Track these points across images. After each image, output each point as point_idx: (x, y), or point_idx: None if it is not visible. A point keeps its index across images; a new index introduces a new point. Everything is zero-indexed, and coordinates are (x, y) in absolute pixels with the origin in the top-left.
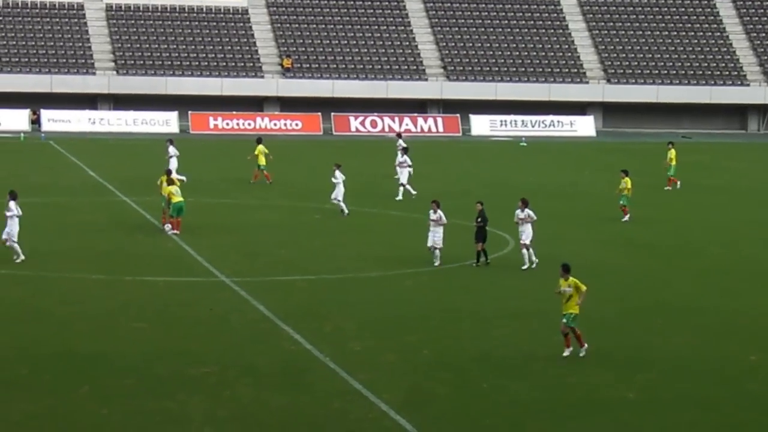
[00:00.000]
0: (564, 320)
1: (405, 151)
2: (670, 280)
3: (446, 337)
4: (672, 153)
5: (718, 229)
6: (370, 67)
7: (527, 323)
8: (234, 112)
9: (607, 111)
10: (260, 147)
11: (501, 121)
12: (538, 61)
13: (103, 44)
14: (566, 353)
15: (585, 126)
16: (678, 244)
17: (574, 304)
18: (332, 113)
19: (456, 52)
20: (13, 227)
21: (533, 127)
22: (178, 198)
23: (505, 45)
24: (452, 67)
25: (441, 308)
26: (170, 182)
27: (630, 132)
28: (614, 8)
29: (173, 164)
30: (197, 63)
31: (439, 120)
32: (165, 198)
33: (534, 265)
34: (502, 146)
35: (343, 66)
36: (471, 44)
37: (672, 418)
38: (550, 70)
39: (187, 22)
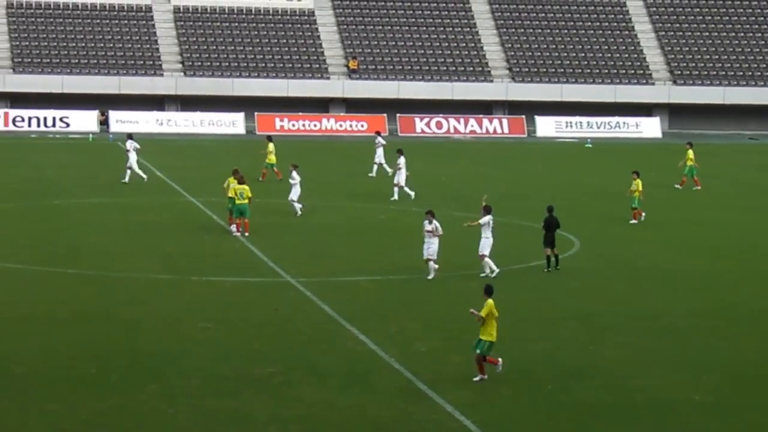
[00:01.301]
0: (477, 349)
1: (400, 152)
2: (736, 283)
3: (511, 338)
4: (690, 153)
5: None
6: (436, 68)
7: (592, 324)
8: (300, 114)
9: (674, 112)
10: (271, 145)
11: (566, 122)
12: (603, 63)
13: (171, 46)
14: (478, 378)
15: (651, 127)
16: (743, 246)
17: (491, 330)
18: (398, 114)
19: (521, 53)
20: None
21: (599, 128)
22: (240, 200)
23: (571, 46)
24: (518, 69)
25: (506, 309)
26: (241, 181)
27: (696, 134)
28: (681, 9)
29: (132, 158)
30: (263, 64)
31: (505, 121)
32: (231, 199)
33: (494, 275)
34: (568, 148)
35: (409, 67)
36: (536, 45)
37: (738, 421)
38: (616, 71)
39: (254, 24)
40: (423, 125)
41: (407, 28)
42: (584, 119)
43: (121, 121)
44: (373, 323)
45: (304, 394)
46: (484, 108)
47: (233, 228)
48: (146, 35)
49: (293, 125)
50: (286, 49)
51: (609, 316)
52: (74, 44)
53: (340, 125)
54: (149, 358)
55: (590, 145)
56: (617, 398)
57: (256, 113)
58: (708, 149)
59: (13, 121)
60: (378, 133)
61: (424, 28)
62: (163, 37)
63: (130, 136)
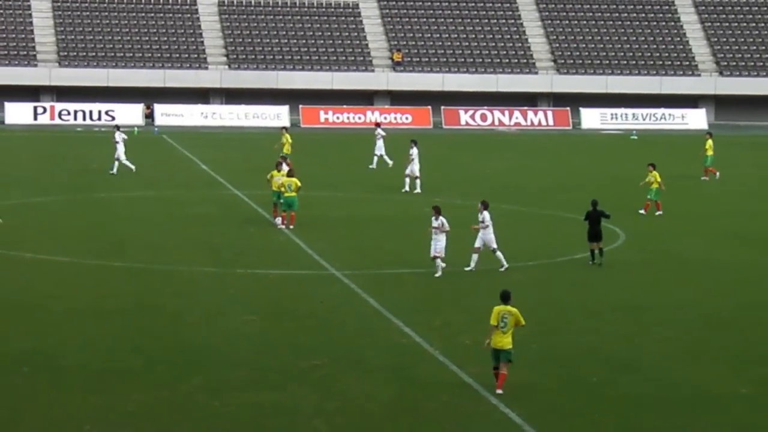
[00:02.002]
0: (501, 358)
1: (414, 143)
2: None
3: (555, 331)
4: (709, 143)
5: None
6: (480, 60)
7: (637, 317)
8: (344, 106)
9: (720, 104)
10: (287, 136)
11: (611, 114)
12: (649, 54)
13: (216, 39)
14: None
15: (697, 119)
16: None
17: (510, 339)
18: (442, 107)
19: (566, 45)
20: None
21: (644, 120)
22: (289, 193)
23: (616, 38)
24: (562, 61)
25: (550, 302)
26: (290, 173)
27: (743, 125)
28: (727, 0)
29: (120, 149)
30: (308, 57)
31: (549, 113)
32: (276, 192)
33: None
34: (613, 140)
35: (453, 60)
36: (581, 37)
37: None
38: (661, 62)
39: (298, 17)
40: (467, 117)
41: (452, 20)
42: (629, 111)
43: (166, 114)
44: (418, 316)
45: (349, 387)
46: (529, 100)
47: (278, 220)
48: (191, 28)
49: (337, 118)
50: (331, 41)
51: (655, 309)
52: (120, 38)
53: (385, 118)
54: (194, 351)
55: (636, 137)
56: (663, 391)
57: (300, 106)
58: (754, 140)
59: (59, 114)
60: (378, 125)
61: (469, 20)
62: (208, 30)
63: (117, 127)
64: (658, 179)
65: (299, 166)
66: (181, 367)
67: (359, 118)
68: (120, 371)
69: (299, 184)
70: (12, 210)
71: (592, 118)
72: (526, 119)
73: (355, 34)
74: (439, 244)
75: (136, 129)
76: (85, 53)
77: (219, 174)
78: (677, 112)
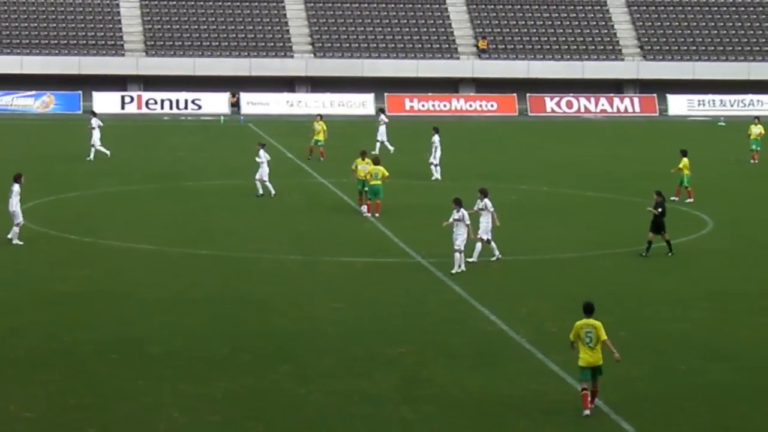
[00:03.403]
0: (595, 375)
1: (436, 130)
2: None
3: (643, 319)
4: (754, 129)
5: None
6: (566, 47)
7: (726, 305)
8: (429, 94)
9: None
10: (322, 123)
11: (699, 100)
12: (737, 40)
13: (301, 28)
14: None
15: None
16: None
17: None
18: (528, 94)
19: (653, 31)
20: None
21: (732, 106)
22: (375, 181)
23: (704, 23)
24: (649, 47)
25: (638, 289)
26: (375, 162)
27: None
28: None
29: (96, 136)
30: (393, 45)
31: (636, 100)
32: (361, 180)
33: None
34: (700, 126)
35: (539, 46)
36: (668, 23)
37: None
38: (749, 48)
39: (383, 5)
40: (553, 105)
41: (537, 6)
42: (717, 97)
43: (252, 102)
44: (504, 304)
45: (436, 375)
46: (615, 87)
47: (363, 208)
48: (277, 17)
49: (423, 105)
50: (416, 29)
51: (744, 297)
52: (206, 27)
53: (470, 105)
54: (281, 339)
55: (723, 124)
56: (752, 379)
57: (385, 94)
58: None
59: (146, 103)
60: (381, 111)
61: (554, 7)
62: (293, 18)
63: (93, 113)
64: (687, 166)
65: (384, 155)
66: (268, 354)
67: (444, 105)
68: (207, 359)
69: (386, 173)
70: (100, 198)
71: (679, 105)
72: (612, 106)
73: (441, 21)
74: (460, 237)
75: (222, 118)
76: (171, 42)
77: (305, 162)
78: (765, 98)
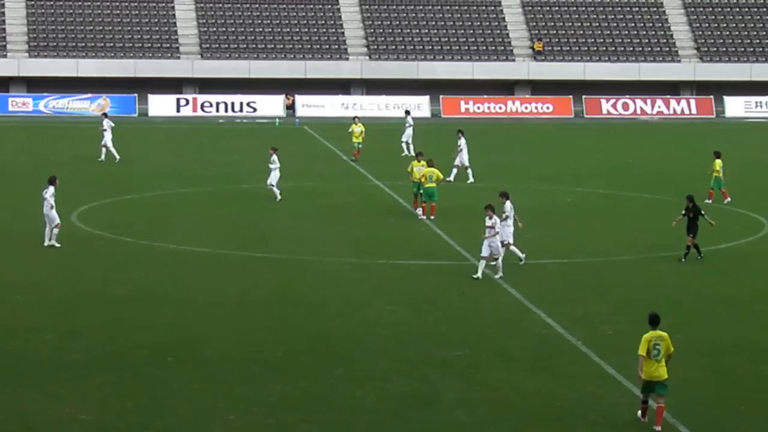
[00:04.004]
0: (657, 390)
1: (461, 133)
2: None
3: (700, 322)
4: None
5: None
6: (622, 49)
7: None
8: (485, 96)
9: None
10: (361, 126)
11: (756, 102)
12: None
13: (356, 30)
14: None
15: None
16: None
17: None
18: (583, 96)
19: (710, 32)
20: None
21: None
22: (429, 183)
23: (761, 24)
24: (706, 48)
25: (695, 292)
26: (429, 164)
27: None
28: None
29: (107, 137)
30: (448, 47)
31: (692, 102)
32: (416, 183)
33: (522, 262)
34: (757, 128)
35: (595, 48)
36: (725, 24)
37: None
38: None
39: (438, 7)
40: (609, 107)
41: (593, 8)
42: None
43: (308, 105)
44: (560, 306)
45: (491, 378)
46: (672, 88)
47: (419, 211)
48: (332, 19)
49: (478, 108)
50: (471, 31)
51: None
52: (261, 29)
53: (526, 107)
54: (336, 342)
55: None
56: None
57: (441, 96)
58: None
59: (202, 106)
60: (407, 113)
61: (610, 8)
62: (348, 21)
63: (105, 114)
64: (717, 168)
65: (439, 157)
66: (323, 357)
67: (500, 108)
68: (263, 362)
69: (441, 175)
70: (155, 201)
71: (736, 107)
72: (668, 108)
73: (496, 23)
74: (493, 244)
75: (277, 120)
76: (227, 45)
77: (360, 164)
78: None
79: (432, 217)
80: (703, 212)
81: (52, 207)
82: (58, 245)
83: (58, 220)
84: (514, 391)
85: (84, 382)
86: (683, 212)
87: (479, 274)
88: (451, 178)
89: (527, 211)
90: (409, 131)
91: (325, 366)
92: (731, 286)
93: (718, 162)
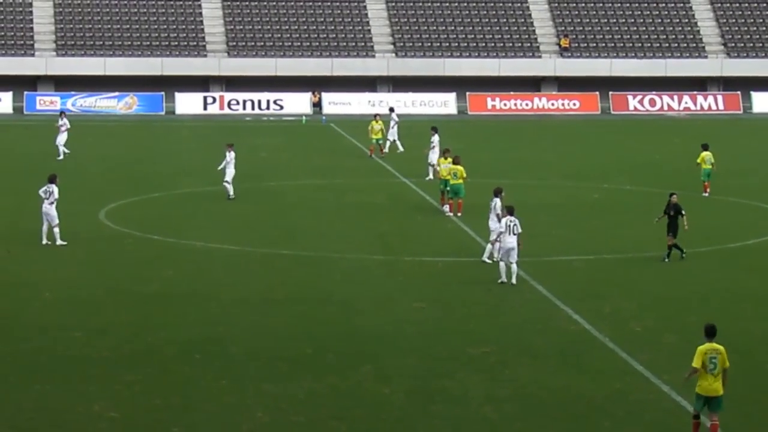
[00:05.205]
0: (711, 407)
1: (434, 130)
2: None
3: (728, 318)
4: None
5: None
6: (649, 45)
7: None
8: (511, 93)
9: None
10: (381, 123)
11: None
12: None
13: (383, 27)
14: None
15: None
16: None
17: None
18: (610, 92)
19: (737, 28)
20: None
21: None
22: (455, 180)
23: None
24: (733, 44)
25: (723, 288)
26: (455, 161)
27: None
28: None
29: (62, 138)
30: (475, 44)
31: (720, 98)
32: (443, 179)
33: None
34: None
35: (621, 44)
36: (752, 20)
37: None
38: None
39: (465, 4)
40: (636, 103)
41: (619, 4)
42: None
43: (334, 102)
44: (587, 303)
45: (519, 374)
46: (699, 84)
47: (446, 208)
48: (358, 17)
49: (505, 104)
50: (498, 28)
51: None
52: (287, 27)
53: (552, 104)
54: (364, 339)
55: None
56: None
57: (467, 93)
58: None
59: (228, 104)
60: (392, 110)
61: (637, 5)
62: (374, 18)
63: (62, 112)
64: (704, 160)
65: (466, 154)
66: (350, 354)
67: (527, 104)
68: (290, 359)
69: (464, 174)
70: (182, 199)
71: (763, 102)
72: (695, 104)
73: (522, 20)
74: (504, 244)
75: (304, 118)
76: (253, 43)
77: (387, 162)
78: None
79: (459, 214)
80: (683, 212)
81: (52, 204)
82: (64, 243)
83: (57, 219)
84: (542, 387)
85: (112, 379)
86: (664, 210)
87: (513, 280)
88: (430, 176)
89: (553, 208)
90: (394, 129)
91: (352, 363)
92: (759, 283)
93: (706, 154)
